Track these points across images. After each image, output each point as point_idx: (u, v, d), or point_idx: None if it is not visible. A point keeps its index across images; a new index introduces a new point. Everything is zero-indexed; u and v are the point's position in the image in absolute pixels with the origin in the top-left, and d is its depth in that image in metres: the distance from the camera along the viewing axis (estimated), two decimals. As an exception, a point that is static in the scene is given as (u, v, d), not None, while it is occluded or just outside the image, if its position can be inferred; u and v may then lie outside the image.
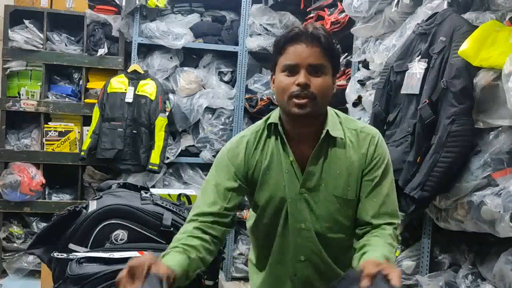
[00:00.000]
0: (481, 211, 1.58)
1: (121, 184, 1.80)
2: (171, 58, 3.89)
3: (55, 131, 3.72)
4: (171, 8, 3.92)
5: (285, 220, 1.38)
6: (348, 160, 1.36)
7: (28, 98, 3.67)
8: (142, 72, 3.68)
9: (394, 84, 2.05)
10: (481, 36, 1.59)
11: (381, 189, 1.34)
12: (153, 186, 3.69)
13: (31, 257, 3.65)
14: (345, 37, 2.89)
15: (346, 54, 3.10)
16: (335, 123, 1.38)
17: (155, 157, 3.59)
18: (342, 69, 3.14)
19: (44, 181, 3.64)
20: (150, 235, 1.57)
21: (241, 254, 3.95)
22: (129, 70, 3.66)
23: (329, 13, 3.04)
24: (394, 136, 1.99)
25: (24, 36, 3.63)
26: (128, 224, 1.55)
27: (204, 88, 3.94)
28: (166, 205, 1.66)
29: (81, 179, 3.80)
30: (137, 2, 3.63)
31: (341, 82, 3.04)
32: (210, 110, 3.93)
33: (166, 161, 3.78)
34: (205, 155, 3.84)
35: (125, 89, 3.60)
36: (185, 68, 3.93)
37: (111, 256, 1.41)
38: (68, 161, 3.73)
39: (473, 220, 1.63)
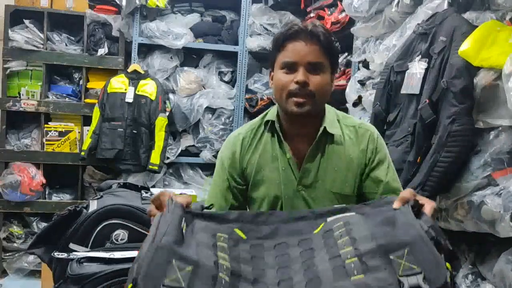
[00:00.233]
0: (481, 211, 1.58)
1: (122, 184, 1.80)
2: (171, 58, 3.89)
3: (55, 131, 3.72)
4: (171, 8, 3.92)
5: None
6: (347, 157, 1.37)
7: (28, 98, 3.67)
8: (142, 72, 3.68)
9: (394, 84, 2.05)
10: (481, 36, 1.58)
11: (388, 185, 1.36)
12: (153, 186, 3.69)
13: (31, 257, 3.66)
14: (345, 37, 2.89)
15: (346, 54, 3.11)
16: (333, 120, 1.39)
17: (155, 157, 3.59)
18: (342, 69, 3.14)
19: (44, 181, 3.64)
20: (151, 235, 1.57)
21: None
22: (129, 70, 3.66)
23: (329, 13, 3.04)
24: (394, 136, 1.99)
25: (24, 36, 3.63)
26: (128, 224, 1.55)
27: (204, 88, 3.94)
28: (167, 205, 1.66)
29: (81, 179, 3.80)
30: (137, 2, 3.63)
31: (341, 82, 3.04)
32: (210, 110, 3.93)
33: (166, 161, 3.78)
34: (205, 155, 3.84)
35: (125, 89, 3.60)
36: (185, 68, 3.93)
37: (111, 256, 1.41)
38: (68, 161, 3.73)
39: (473, 220, 1.63)
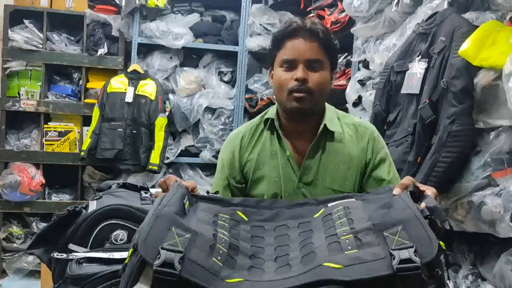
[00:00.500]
0: (481, 211, 1.57)
1: (121, 184, 1.80)
2: (171, 58, 3.89)
3: (55, 131, 3.72)
4: (171, 8, 3.92)
5: None
6: (347, 154, 1.37)
7: (28, 98, 3.67)
8: (142, 72, 3.68)
9: (394, 84, 2.05)
10: (481, 36, 1.58)
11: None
12: (153, 186, 3.69)
13: (31, 257, 3.66)
14: (345, 37, 2.88)
15: (346, 54, 3.10)
16: (333, 118, 1.40)
17: (155, 157, 3.59)
18: (342, 69, 3.14)
19: (44, 181, 3.64)
20: (150, 235, 1.57)
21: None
22: (129, 70, 3.66)
23: (329, 12, 3.04)
24: (394, 136, 1.99)
25: (24, 36, 3.63)
26: (128, 224, 1.54)
27: (204, 88, 3.94)
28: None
29: (81, 179, 3.80)
30: (137, 2, 3.63)
31: (341, 82, 3.04)
32: (210, 110, 3.93)
33: (166, 161, 3.78)
34: (205, 155, 3.84)
35: (125, 89, 3.60)
36: (185, 68, 3.93)
37: (111, 256, 1.41)
38: (68, 161, 3.73)
39: (474, 220, 1.63)
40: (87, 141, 3.59)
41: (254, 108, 3.88)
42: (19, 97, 3.68)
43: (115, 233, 1.52)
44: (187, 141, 3.92)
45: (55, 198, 3.80)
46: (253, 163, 1.41)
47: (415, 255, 0.77)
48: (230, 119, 3.95)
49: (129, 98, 3.58)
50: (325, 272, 0.79)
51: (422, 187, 1.02)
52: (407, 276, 0.75)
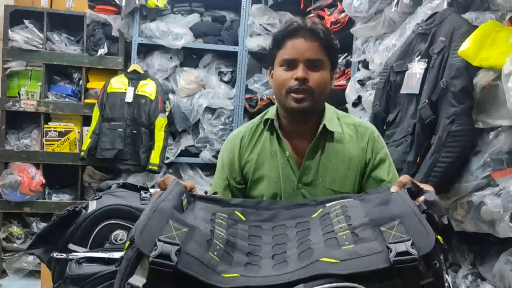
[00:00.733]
0: (481, 211, 1.57)
1: (121, 184, 1.80)
2: (171, 58, 3.89)
3: (55, 131, 3.72)
4: (171, 8, 3.92)
5: None
6: (347, 155, 1.37)
7: (28, 98, 3.67)
8: (142, 72, 3.68)
9: (394, 84, 2.05)
10: (481, 36, 1.58)
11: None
12: (153, 186, 3.67)
13: (31, 257, 3.66)
14: (345, 37, 2.88)
15: (346, 54, 3.10)
16: (333, 118, 1.39)
17: (155, 157, 3.59)
18: (342, 69, 3.14)
19: (44, 181, 3.64)
20: (150, 235, 1.57)
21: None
22: (129, 70, 3.66)
23: (329, 13, 3.04)
24: (394, 136, 1.99)
25: (24, 36, 3.63)
26: (127, 224, 1.54)
27: (204, 88, 3.94)
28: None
29: (81, 179, 3.80)
30: (137, 2, 3.63)
31: (341, 82, 3.04)
32: (210, 110, 3.93)
33: (166, 161, 3.78)
34: (205, 155, 3.84)
35: (125, 89, 3.60)
36: (185, 68, 3.93)
37: (110, 256, 1.41)
38: (68, 161, 3.73)
39: (473, 220, 1.63)
40: (87, 141, 3.59)
41: (254, 108, 3.88)
42: (19, 97, 3.68)
43: (115, 233, 1.52)
44: (187, 141, 3.92)
45: (55, 198, 3.80)
46: (252, 163, 1.41)
47: (412, 248, 0.77)
48: (230, 119, 3.95)
49: (129, 98, 3.58)
50: (322, 266, 0.79)
51: (420, 185, 1.03)
52: (404, 268, 0.75)
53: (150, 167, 3.59)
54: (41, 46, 3.67)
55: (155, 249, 0.79)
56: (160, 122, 3.60)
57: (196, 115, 3.83)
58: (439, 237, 0.83)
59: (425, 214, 0.88)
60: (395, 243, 0.79)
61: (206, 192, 1.19)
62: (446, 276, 0.83)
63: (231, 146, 1.45)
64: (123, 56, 3.80)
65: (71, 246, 1.47)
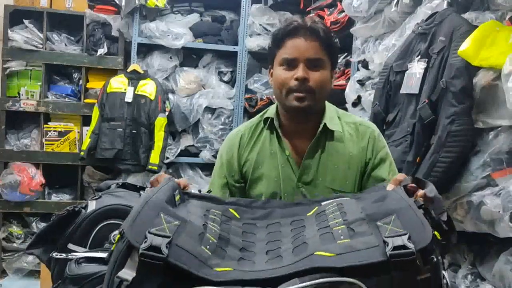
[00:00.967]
0: (480, 211, 1.57)
1: (120, 184, 1.79)
2: (170, 58, 3.89)
3: (55, 131, 3.72)
4: (171, 8, 3.92)
5: None
6: (347, 154, 1.36)
7: (28, 98, 3.67)
8: (142, 72, 3.68)
9: (394, 84, 2.05)
10: (480, 36, 1.58)
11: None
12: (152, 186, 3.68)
13: (30, 257, 3.66)
14: (344, 37, 2.88)
15: (346, 54, 3.10)
16: (333, 117, 1.39)
17: (154, 157, 3.59)
18: (341, 69, 3.14)
19: (43, 181, 3.64)
20: (149, 235, 1.57)
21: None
22: (128, 70, 3.66)
23: (328, 13, 3.04)
24: (394, 136, 1.99)
25: (23, 36, 3.63)
26: (127, 224, 1.54)
27: (204, 88, 3.94)
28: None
29: (80, 179, 3.80)
30: (137, 2, 3.63)
31: (340, 82, 3.04)
32: (209, 110, 3.93)
33: (166, 161, 3.78)
34: (205, 155, 3.84)
35: (125, 89, 3.60)
36: (185, 68, 3.93)
37: (110, 256, 1.41)
38: (67, 161, 3.73)
39: (473, 220, 1.63)
40: (86, 141, 3.59)
41: (254, 108, 3.88)
42: (19, 97, 3.68)
43: (114, 233, 1.51)
44: (186, 141, 3.92)
45: (55, 198, 3.80)
46: (252, 162, 1.40)
47: (409, 242, 0.76)
48: (230, 119, 3.95)
49: (128, 98, 3.58)
50: (317, 260, 0.77)
51: (421, 180, 1.02)
52: (401, 262, 0.74)
53: (149, 167, 3.59)
54: (40, 46, 3.67)
55: (145, 241, 0.77)
56: (160, 122, 3.60)
57: (196, 115, 3.83)
58: (436, 233, 0.82)
59: (422, 209, 0.87)
60: (391, 237, 0.78)
61: (200, 191, 1.18)
62: (444, 272, 0.83)
63: (230, 145, 1.44)
64: (123, 56, 3.80)
65: (70, 246, 1.47)
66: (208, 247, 0.85)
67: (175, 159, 3.85)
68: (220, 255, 0.86)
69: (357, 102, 2.69)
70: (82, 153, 3.58)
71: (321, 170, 1.35)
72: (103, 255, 1.41)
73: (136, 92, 3.60)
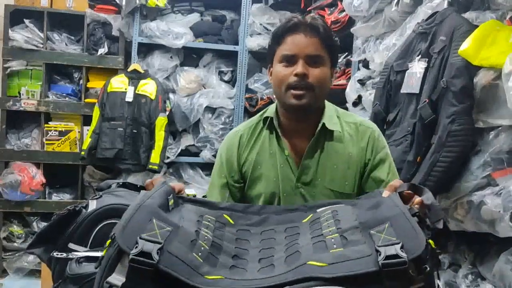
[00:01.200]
0: (481, 211, 1.57)
1: (121, 183, 1.79)
2: (171, 57, 3.89)
3: (55, 130, 3.72)
4: (171, 7, 3.92)
5: None
6: (347, 154, 1.35)
7: (28, 97, 3.67)
8: (142, 72, 3.68)
9: (394, 84, 2.05)
10: (481, 36, 1.58)
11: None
12: (153, 186, 3.68)
13: (31, 257, 3.66)
14: (345, 37, 2.88)
15: (346, 53, 3.10)
16: (332, 116, 1.37)
17: (155, 157, 3.59)
18: (342, 68, 3.14)
19: (44, 180, 3.64)
20: (150, 234, 1.57)
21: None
22: (129, 70, 3.66)
23: (329, 12, 3.04)
24: (394, 136, 1.99)
25: (24, 35, 3.63)
26: (127, 224, 1.54)
27: (204, 88, 3.94)
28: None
29: (81, 179, 3.80)
30: (137, 1, 3.63)
31: (341, 81, 3.04)
32: (210, 109, 3.93)
33: (166, 161, 3.78)
34: (205, 154, 3.84)
35: (125, 89, 3.60)
36: (185, 68, 3.93)
37: (110, 256, 1.41)
38: (68, 161, 3.73)
39: (473, 220, 1.63)
40: (87, 141, 3.59)
41: (254, 107, 3.88)
42: (20, 97, 3.68)
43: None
44: (187, 140, 3.92)
45: (55, 197, 3.80)
46: (251, 162, 1.39)
47: (402, 251, 0.75)
48: (230, 119, 3.95)
49: (129, 97, 3.58)
50: (309, 270, 0.77)
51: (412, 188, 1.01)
52: (394, 272, 0.73)
53: (150, 166, 3.59)
54: (41, 45, 3.67)
55: (136, 247, 0.76)
56: (161, 121, 3.60)
57: (196, 115, 3.83)
58: (431, 241, 0.81)
59: (416, 217, 0.86)
60: (384, 246, 0.77)
61: (194, 196, 1.17)
62: (438, 281, 0.81)
63: (230, 145, 1.44)
64: (123, 55, 3.80)
65: (71, 245, 1.47)
66: (200, 254, 0.85)
67: (176, 158, 3.85)
68: (212, 262, 0.85)
69: (357, 102, 2.69)
70: (82, 153, 3.58)
71: (320, 170, 1.34)
72: (104, 254, 1.42)
73: (136, 92, 3.60)
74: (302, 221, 1.02)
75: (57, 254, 1.42)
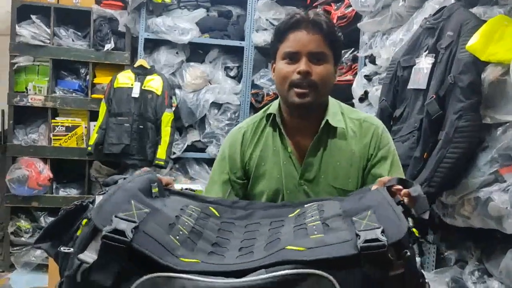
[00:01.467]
0: (488, 207, 1.57)
1: (127, 179, 1.80)
2: (177, 53, 3.89)
3: (62, 126, 3.74)
4: (178, 3, 3.92)
5: None
6: (350, 151, 1.34)
7: (35, 93, 3.69)
8: (149, 67, 3.69)
9: (401, 79, 2.04)
10: (489, 31, 1.57)
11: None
12: (159, 181, 3.69)
13: (38, 251, 3.69)
14: (351, 32, 2.87)
15: (353, 49, 3.09)
16: (336, 113, 1.36)
17: (161, 152, 3.60)
18: (348, 64, 3.12)
19: (51, 175, 3.66)
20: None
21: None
22: (135, 65, 3.67)
23: (335, 7, 3.02)
24: (401, 132, 1.98)
25: (31, 31, 3.65)
26: (134, 219, 1.55)
27: (210, 83, 3.94)
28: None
29: (88, 174, 3.83)
30: (143, -3, 3.63)
31: (347, 77, 3.03)
32: (216, 105, 3.93)
33: (173, 156, 3.79)
34: (211, 150, 3.85)
35: (132, 84, 3.61)
36: (191, 63, 3.93)
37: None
38: (75, 156, 3.75)
39: (480, 216, 1.62)
40: (94, 136, 3.61)
41: (260, 103, 3.88)
42: (27, 92, 3.70)
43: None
44: (193, 136, 3.93)
45: (62, 192, 3.82)
46: (255, 159, 1.38)
47: (382, 235, 0.74)
48: (236, 114, 3.95)
49: (135, 93, 3.60)
50: (287, 254, 0.75)
51: (403, 182, 1.01)
52: (372, 255, 0.72)
53: (156, 162, 3.60)
54: (48, 41, 3.69)
55: (111, 225, 0.75)
56: (167, 117, 3.61)
57: (202, 110, 3.83)
58: (414, 230, 0.80)
59: (400, 206, 0.86)
60: (365, 230, 0.76)
61: (182, 189, 1.18)
62: (422, 271, 0.81)
63: (233, 141, 1.42)
64: (130, 51, 3.81)
65: (78, 240, 1.48)
66: (177, 237, 0.83)
67: (182, 154, 3.86)
68: (189, 247, 0.84)
69: (364, 98, 2.68)
70: (89, 148, 3.60)
71: (324, 167, 1.33)
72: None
73: (143, 88, 3.61)
74: (289, 215, 1.01)
75: (64, 249, 1.43)
